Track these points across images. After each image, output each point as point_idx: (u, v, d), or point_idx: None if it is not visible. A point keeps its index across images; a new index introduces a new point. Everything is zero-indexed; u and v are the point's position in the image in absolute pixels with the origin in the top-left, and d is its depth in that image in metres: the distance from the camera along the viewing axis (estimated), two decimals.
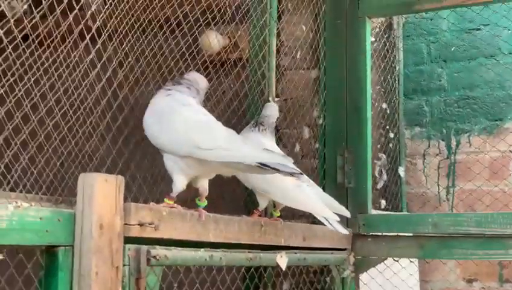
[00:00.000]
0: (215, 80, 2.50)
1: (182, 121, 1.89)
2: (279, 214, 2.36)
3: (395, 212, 3.27)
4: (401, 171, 3.89)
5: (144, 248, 1.73)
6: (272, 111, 2.47)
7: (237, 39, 3.13)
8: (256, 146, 1.97)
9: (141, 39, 2.15)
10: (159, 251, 1.76)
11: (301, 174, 1.98)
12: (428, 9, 3.12)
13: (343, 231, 2.25)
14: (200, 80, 2.10)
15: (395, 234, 2.74)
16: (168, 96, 1.96)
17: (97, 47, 1.85)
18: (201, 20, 2.36)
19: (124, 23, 2.00)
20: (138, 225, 1.71)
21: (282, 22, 2.93)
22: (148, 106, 1.97)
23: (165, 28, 2.22)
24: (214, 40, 3.19)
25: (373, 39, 3.29)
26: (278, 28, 2.82)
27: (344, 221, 2.81)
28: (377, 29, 3.48)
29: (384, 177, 3.84)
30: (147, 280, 1.72)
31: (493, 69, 3.74)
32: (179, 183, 1.89)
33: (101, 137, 1.90)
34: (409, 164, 3.96)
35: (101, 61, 1.86)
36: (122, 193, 1.68)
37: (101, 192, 1.62)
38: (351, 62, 2.90)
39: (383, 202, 3.70)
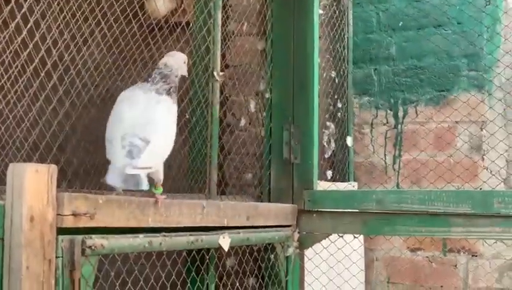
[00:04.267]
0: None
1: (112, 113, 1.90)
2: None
3: (340, 189, 3.26)
4: (349, 140, 3.89)
5: (79, 238, 1.67)
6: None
7: (184, 2, 3.05)
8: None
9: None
10: (94, 240, 1.71)
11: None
12: None
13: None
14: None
15: (340, 210, 2.73)
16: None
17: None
18: None
19: None
20: (72, 215, 1.66)
21: None
22: None
23: None
24: (160, 3, 3.11)
25: (321, 11, 3.24)
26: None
27: (290, 196, 2.81)
28: (325, 1, 3.43)
29: (333, 146, 3.84)
30: (81, 271, 1.67)
31: (442, 39, 3.74)
32: None
33: (34, 121, 1.81)
34: (357, 133, 3.97)
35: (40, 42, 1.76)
36: (54, 183, 1.61)
37: (31, 183, 1.56)
38: (298, 35, 2.84)
39: (330, 173, 3.70)
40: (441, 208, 2.54)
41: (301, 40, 2.84)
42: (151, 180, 1.93)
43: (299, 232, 2.72)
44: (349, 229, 2.73)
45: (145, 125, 1.86)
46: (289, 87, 2.85)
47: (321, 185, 3.03)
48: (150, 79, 2.01)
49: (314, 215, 2.75)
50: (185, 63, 2.13)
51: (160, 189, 1.98)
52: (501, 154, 3.47)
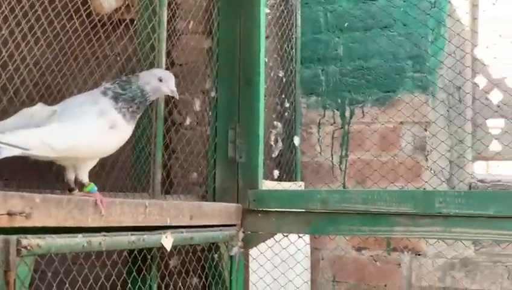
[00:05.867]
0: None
1: None
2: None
3: (285, 188, 3.27)
4: (296, 140, 3.90)
5: (14, 238, 1.63)
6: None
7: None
8: None
9: None
10: (30, 240, 1.67)
11: None
12: None
13: None
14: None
15: (285, 209, 2.74)
16: None
17: None
18: None
19: None
20: (7, 214, 1.62)
21: None
22: None
23: None
24: (105, 1, 3.06)
25: (268, 11, 3.24)
26: None
27: (235, 196, 2.80)
28: (273, 0, 3.44)
29: (280, 145, 3.85)
30: (16, 272, 1.63)
31: (387, 41, 3.78)
32: None
33: None
34: (304, 133, 3.98)
35: None
36: None
37: None
38: (244, 34, 2.84)
39: (276, 172, 3.71)
40: (384, 208, 2.56)
41: (247, 39, 2.84)
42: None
43: (243, 232, 2.72)
44: (293, 228, 2.74)
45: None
46: (235, 86, 2.84)
47: (267, 185, 3.03)
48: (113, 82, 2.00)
49: (259, 214, 2.75)
50: (161, 80, 2.06)
51: (92, 185, 1.95)
52: (443, 154, 3.53)
